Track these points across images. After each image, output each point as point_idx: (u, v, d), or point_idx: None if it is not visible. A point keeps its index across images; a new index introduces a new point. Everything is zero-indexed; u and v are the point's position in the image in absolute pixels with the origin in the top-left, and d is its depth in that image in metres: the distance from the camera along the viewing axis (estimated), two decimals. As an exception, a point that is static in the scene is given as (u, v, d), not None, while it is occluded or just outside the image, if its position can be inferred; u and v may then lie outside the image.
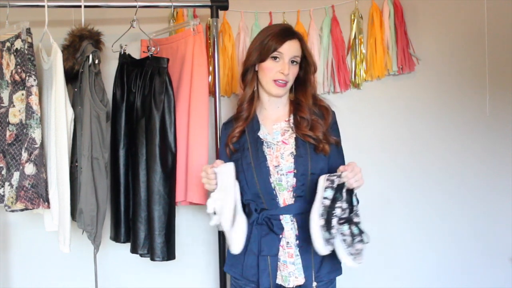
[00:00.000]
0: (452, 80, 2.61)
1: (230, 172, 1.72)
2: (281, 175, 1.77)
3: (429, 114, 2.60)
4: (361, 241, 1.64)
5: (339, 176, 1.64)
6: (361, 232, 1.64)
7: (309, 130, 1.78)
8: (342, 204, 1.63)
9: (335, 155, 1.82)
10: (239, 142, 1.84)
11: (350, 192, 1.65)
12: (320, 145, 1.77)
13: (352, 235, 1.63)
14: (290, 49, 1.79)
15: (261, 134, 1.83)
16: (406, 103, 2.59)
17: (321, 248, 1.62)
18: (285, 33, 1.80)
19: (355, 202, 1.67)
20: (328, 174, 1.68)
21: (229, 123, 1.91)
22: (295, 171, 1.76)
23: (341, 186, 1.64)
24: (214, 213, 1.72)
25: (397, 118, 2.59)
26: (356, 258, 1.63)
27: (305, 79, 1.85)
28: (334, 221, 1.61)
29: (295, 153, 1.77)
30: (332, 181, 1.65)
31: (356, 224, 1.65)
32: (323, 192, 1.65)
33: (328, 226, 1.61)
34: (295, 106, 1.84)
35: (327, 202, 1.63)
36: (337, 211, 1.62)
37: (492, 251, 2.66)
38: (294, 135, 1.80)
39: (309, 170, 1.75)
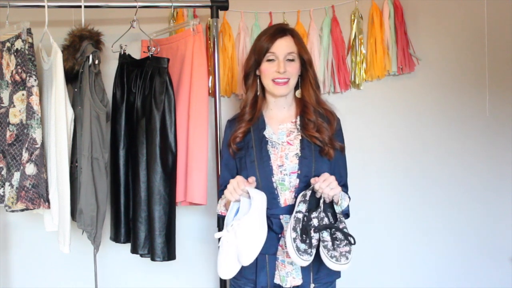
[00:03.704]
0: (452, 80, 2.61)
1: (264, 201, 1.70)
2: (284, 175, 1.78)
3: (429, 114, 2.60)
4: (348, 243, 1.66)
5: (312, 189, 1.68)
6: (347, 236, 1.66)
7: (316, 132, 1.79)
8: (318, 215, 1.66)
9: (338, 161, 1.84)
10: (243, 141, 1.85)
11: (331, 201, 1.70)
12: (325, 148, 1.79)
13: (335, 239, 1.65)
14: (282, 47, 1.81)
15: (266, 133, 1.84)
16: (406, 103, 2.59)
17: (296, 259, 1.63)
18: (275, 32, 1.82)
19: (338, 210, 1.71)
20: (304, 191, 1.72)
21: (233, 121, 1.92)
22: (299, 172, 1.77)
23: (317, 198, 1.69)
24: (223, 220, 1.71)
25: (397, 118, 2.59)
26: (340, 259, 1.62)
27: (304, 75, 1.86)
28: (312, 231, 1.65)
29: (300, 154, 1.79)
30: (305, 195, 1.69)
31: (341, 230, 1.67)
32: (297, 207, 1.68)
33: (304, 237, 1.64)
34: (302, 108, 1.85)
35: (300, 216, 1.66)
36: (314, 222, 1.66)
37: (492, 251, 2.66)
38: (299, 137, 1.81)
39: (313, 172, 1.76)
